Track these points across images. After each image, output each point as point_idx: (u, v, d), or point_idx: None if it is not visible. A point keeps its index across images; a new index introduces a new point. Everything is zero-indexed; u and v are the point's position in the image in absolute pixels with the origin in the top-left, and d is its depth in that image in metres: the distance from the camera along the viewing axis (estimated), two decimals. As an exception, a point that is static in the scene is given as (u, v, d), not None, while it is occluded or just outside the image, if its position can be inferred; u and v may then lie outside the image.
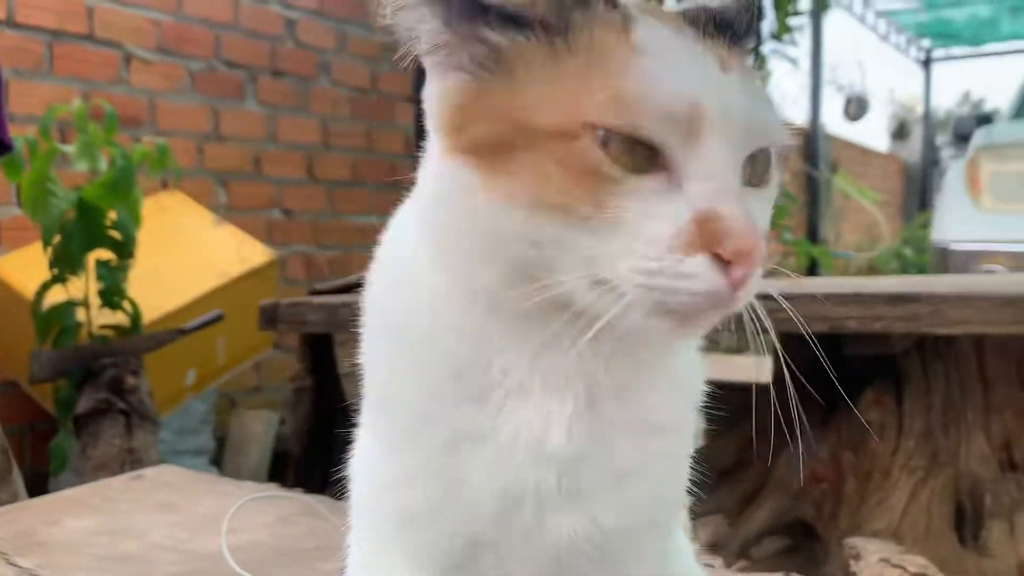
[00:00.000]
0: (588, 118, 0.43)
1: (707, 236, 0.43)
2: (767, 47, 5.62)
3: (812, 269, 6.11)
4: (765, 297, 1.13)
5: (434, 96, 0.48)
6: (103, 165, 2.42)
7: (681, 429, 0.56)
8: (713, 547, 2.02)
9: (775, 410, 1.73)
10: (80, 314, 2.41)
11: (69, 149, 2.37)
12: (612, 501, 0.52)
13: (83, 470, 2.12)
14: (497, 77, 0.45)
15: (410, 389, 0.52)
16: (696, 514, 2.13)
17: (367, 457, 0.59)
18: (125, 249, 2.43)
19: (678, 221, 0.44)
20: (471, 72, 0.46)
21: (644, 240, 0.44)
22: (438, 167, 0.47)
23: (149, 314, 2.54)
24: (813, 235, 7.80)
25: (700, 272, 0.43)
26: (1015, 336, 1.53)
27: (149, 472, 1.51)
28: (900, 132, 11.68)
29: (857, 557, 1.08)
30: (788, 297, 1.30)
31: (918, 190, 10.83)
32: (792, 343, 1.59)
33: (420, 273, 0.51)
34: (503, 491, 0.51)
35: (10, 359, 2.63)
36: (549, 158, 0.43)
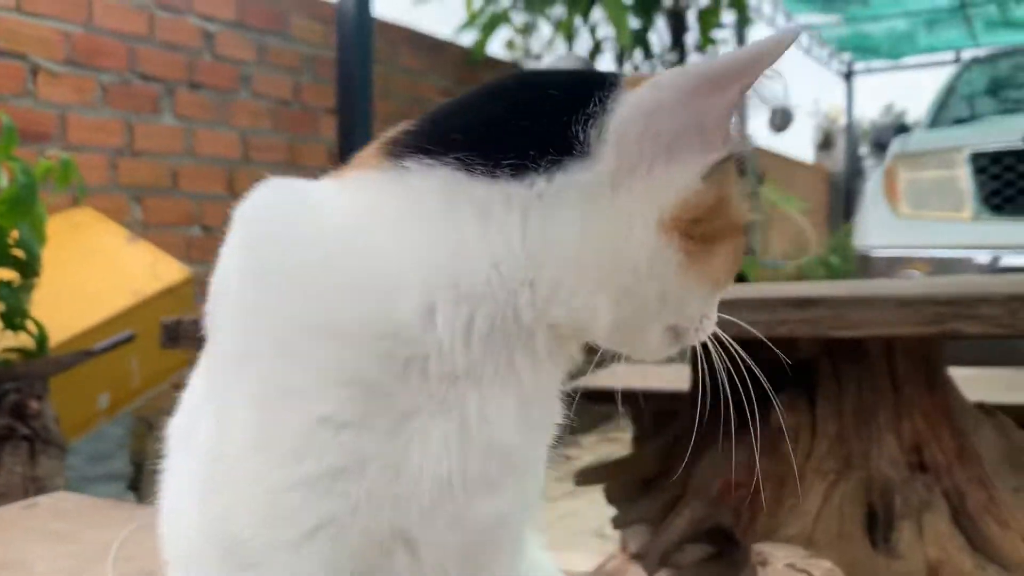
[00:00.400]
0: (747, 218, 0.59)
1: None
2: (693, 58, 5.71)
3: (739, 278, 6.20)
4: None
5: (684, 189, 0.54)
6: (4, 181, 2.32)
7: (553, 431, 0.61)
8: (636, 556, 2.01)
9: (694, 418, 1.73)
10: (-19, 337, 2.30)
11: (-36, 165, 2.27)
12: (514, 489, 0.55)
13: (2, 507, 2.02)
14: (725, 183, 0.56)
15: (354, 363, 0.50)
16: (623, 523, 2.12)
17: (241, 463, 0.52)
18: (29, 268, 2.33)
19: None
20: (717, 179, 0.55)
21: (717, 301, 0.61)
22: (644, 235, 0.54)
23: (57, 335, 2.45)
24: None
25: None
26: (922, 339, 1.55)
27: (44, 500, 1.43)
28: (825, 143, 11.99)
29: (764, 563, 1.07)
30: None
31: (843, 199, 11.11)
32: (704, 351, 1.58)
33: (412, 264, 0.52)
34: (446, 478, 0.52)
35: (-92, 386, 2.50)
36: (734, 247, 0.58)
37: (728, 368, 1.63)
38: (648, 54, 5.32)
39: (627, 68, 5.27)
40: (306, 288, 0.51)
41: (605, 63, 5.43)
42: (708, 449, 1.72)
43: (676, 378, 2.23)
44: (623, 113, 0.53)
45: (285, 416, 0.50)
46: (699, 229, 0.55)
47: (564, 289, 0.53)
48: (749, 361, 0.69)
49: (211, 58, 3.58)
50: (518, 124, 0.54)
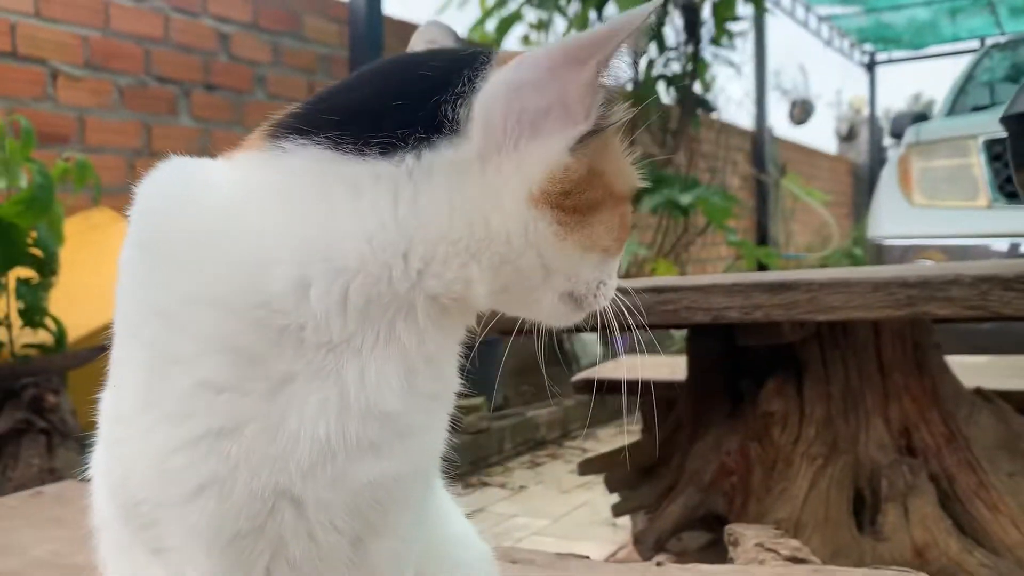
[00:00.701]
0: (635, 187, 0.63)
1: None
2: (708, 52, 5.70)
3: (761, 270, 6.17)
4: (647, 291, 1.15)
5: (550, 163, 0.57)
6: (23, 182, 2.39)
7: (451, 399, 0.63)
8: (636, 542, 2.04)
9: (690, 405, 1.76)
10: (1, 334, 2.37)
11: (-15, 167, 2.34)
12: (399, 452, 0.57)
13: (4, 491, 2.08)
14: (599, 155, 0.59)
15: (230, 331, 0.53)
16: (622, 511, 2.15)
17: (129, 432, 0.56)
18: (47, 267, 2.40)
19: None
20: (588, 152, 0.58)
21: (613, 268, 0.63)
22: (515, 208, 0.56)
23: (75, 332, 2.51)
24: (763, 237, 7.90)
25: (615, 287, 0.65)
26: (911, 323, 1.56)
27: (49, 489, 1.49)
28: (848, 134, 11.88)
29: (736, 543, 1.10)
30: (673, 290, 1.32)
31: (867, 190, 11.00)
32: (698, 340, 1.61)
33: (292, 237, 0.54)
34: (325, 440, 0.54)
35: (-67, 382, 2.58)
36: (617, 215, 0.60)
37: (716, 357, 1.65)
38: (662, 48, 5.32)
39: (642, 63, 5.27)
40: (187, 261, 0.54)
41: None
42: (701, 437, 1.74)
43: (682, 369, 2.25)
44: (488, 91, 0.56)
45: (170, 380, 0.53)
46: (570, 201, 0.57)
47: (436, 262, 0.56)
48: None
49: (226, 59, 3.64)
50: (389, 104, 0.56)
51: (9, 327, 2.39)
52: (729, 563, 1.09)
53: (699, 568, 1.01)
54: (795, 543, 1.05)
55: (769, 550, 1.04)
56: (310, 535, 0.57)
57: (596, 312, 0.63)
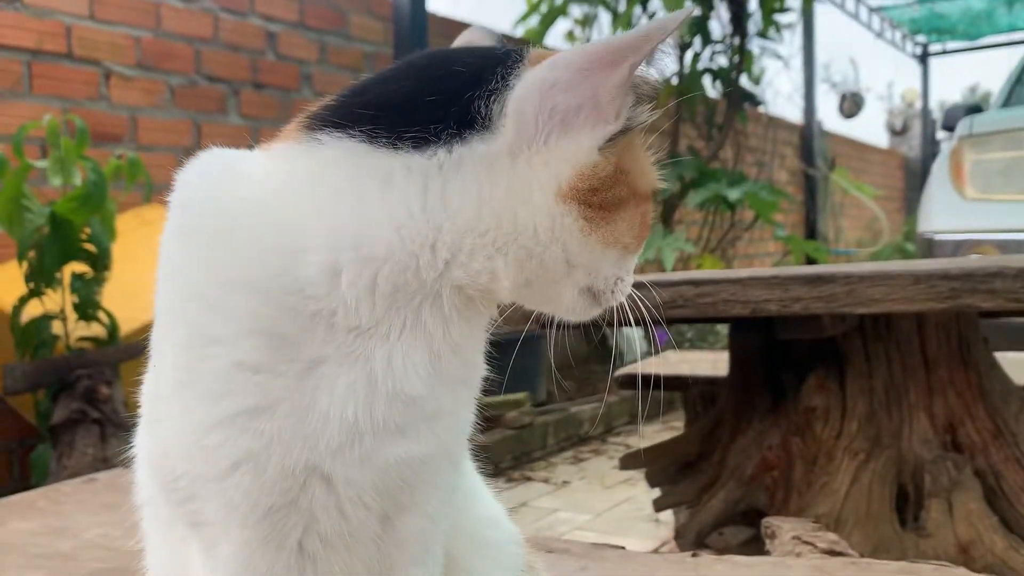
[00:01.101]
0: (656, 187, 0.64)
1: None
2: (755, 45, 5.63)
3: (809, 263, 6.08)
4: (672, 284, 1.16)
5: (579, 161, 0.59)
6: (78, 180, 2.45)
7: (478, 384, 0.65)
8: (676, 537, 2.03)
9: (731, 400, 1.75)
10: (57, 327, 2.45)
11: (42, 164, 2.41)
12: (425, 434, 0.59)
13: (60, 479, 2.15)
14: (625, 154, 0.60)
15: (265, 315, 0.56)
16: (663, 505, 2.14)
17: (169, 411, 0.59)
18: (100, 262, 2.47)
19: None
20: (615, 151, 0.60)
21: (631, 265, 0.65)
22: (543, 202, 0.58)
23: (128, 325, 2.58)
24: (812, 233, 7.79)
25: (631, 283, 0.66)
26: (956, 317, 1.54)
27: (103, 476, 1.53)
28: (900, 128, 11.64)
29: (772, 536, 1.09)
30: (711, 283, 1.32)
31: (919, 184, 10.78)
32: (739, 334, 1.60)
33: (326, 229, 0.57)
34: (352, 421, 0.57)
35: (-5, 374, 2.67)
36: (638, 213, 0.62)
37: (757, 352, 1.64)
38: (708, 41, 5.27)
39: (687, 56, 5.23)
40: (225, 247, 0.57)
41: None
42: (743, 432, 1.73)
43: (724, 365, 2.24)
44: (522, 89, 0.57)
45: (207, 361, 0.56)
46: (597, 197, 0.59)
47: (463, 253, 0.58)
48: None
49: (274, 58, 3.70)
50: (423, 99, 0.58)
51: (64, 321, 2.46)
52: (766, 556, 1.09)
53: (734, 559, 1.01)
54: (832, 536, 1.04)
55: (806, 543, 1.03)
56: (340, 511, 0.59)
57: (612, 308, 0.65)
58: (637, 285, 0.67)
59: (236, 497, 0.57)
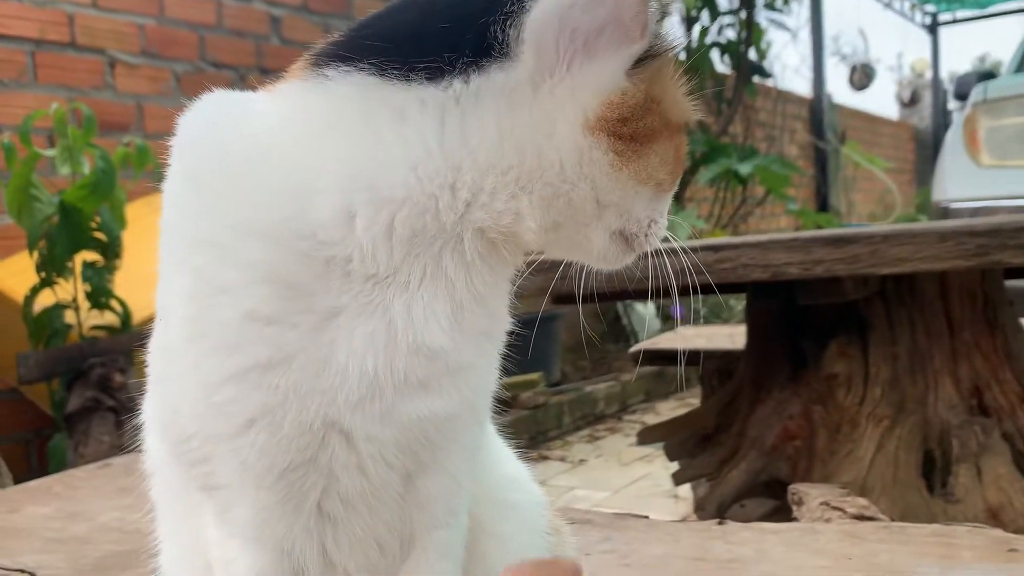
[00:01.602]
0: (689, 118, 0.60)
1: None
2: (763, 18, 5.57)
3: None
4: (703, 249, 1.13)
5: (607, 89, 0.55)
6: (86, 168, 2.44)
7: (502, 337, 0.62)
8: (697, 509, 2.01)
9: (750, 370, 1.73)
10: (70, 316, 2.44)
11: (50, 153, 2.40)
12: (449, 389, 0.56)
13: (76, 467, 2.15)
14: (656, 81, 0.57)
15: (277, 262, 0.53)
16: (682, 478, 2.13)
17: (177, 366, 0.55)
18: (111, 250, 2.46)
19: None
20: (645, 76, 0.56)
21: (666, 206, 0.60)
22: (570, 135, 0.54)
23: (141, 313, 2.57)
24: (823, 207, 7.73)
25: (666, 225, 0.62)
26: (981, 278, 1.51)
27: (118, 460, 1.52)
28: (910, 99, 11.53)
29: (799, 503, 1.07)
30: (730, 247, 1.29)
31: (931, 155, 10.68)
32: (757, 302, 1.57)
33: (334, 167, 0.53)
34: (372, 374, 0.54)
35: (8, 365, 2.67)
36: (672, 147, 0.58)
37: (776, 319, 1.61)
38: (715, 14, 5.21)
39: (695, 30, 5.18)
40: (233, 190, 0.53)
41: (670, 26, 5.34)
42: (762, 402, 1.71)
43: (741, 338, 2.21)
44: (539, 11, 0.53)
45: (217, 310, 0.53)
46: (628, 128, 0.55)
47: (485, 193, 0.54)
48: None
49: (278, 43, 3.68)
50: (435, 27, 0.54)
51: (77, 309, 2.45)
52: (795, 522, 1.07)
53: (762, 526, 0.99)
54: (862, 501, 1.02)
55: (835, 508, 1.01)
56: (361, 469, 0.56)
57: (646, 253, 0.61)
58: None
59: (251, 456, 0.54)
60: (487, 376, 0.61)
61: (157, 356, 0.59)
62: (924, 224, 1.48)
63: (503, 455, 0.73)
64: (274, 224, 0.52)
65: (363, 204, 0.53)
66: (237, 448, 0.54)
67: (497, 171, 0.54)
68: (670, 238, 0.62)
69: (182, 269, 0.55)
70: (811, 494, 1.06)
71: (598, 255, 0.59)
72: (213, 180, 0.54)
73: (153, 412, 0.61)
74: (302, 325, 0.53)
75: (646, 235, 0.59)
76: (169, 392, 0.57)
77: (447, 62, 0.53)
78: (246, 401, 0.53)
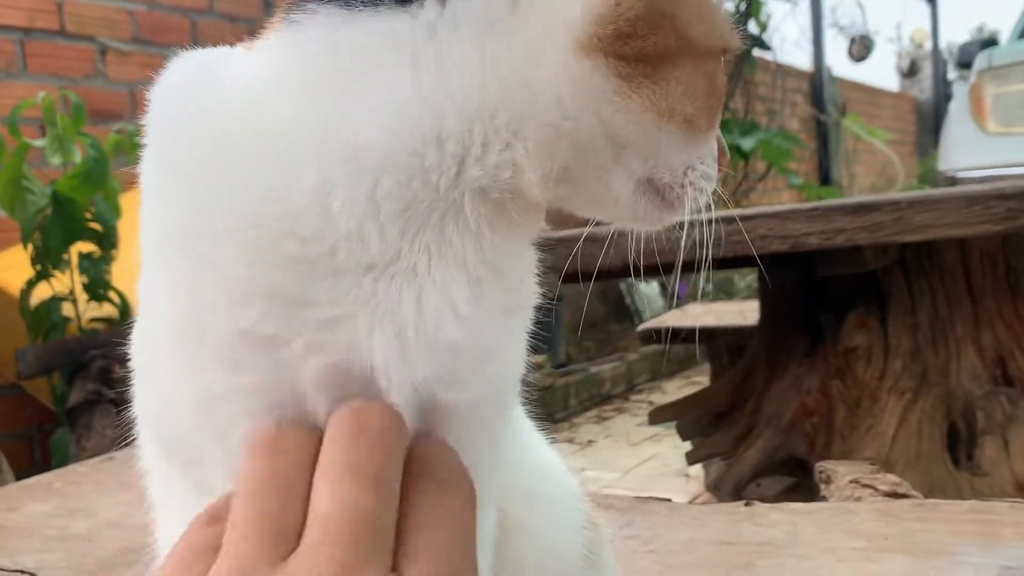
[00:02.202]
0: (727, 43, 0.50)
1: (720, 150, 0.52)
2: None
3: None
4: (723, 220, 1.08)
5: (598, 2, 0.45)
6: (77, 157, 2.40)
7: (529, 312, 0.53)
8: (713, 489, 1.98)
9: (764, 346, 1.68)
10: (68, 308, 2.40)
11: (40, 144, 2.35)
12: (472, 380, 0.48)
13: (79, 460, 2.12)
14: None
15: (264, 276, 0.44)
16: (696, 458, 2.09)
17: (167, 359, 0.47)
18: (106, 240, 2.42)
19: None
20: None
21: (708, 151, 0.50)
22: (561, 59, 0.45)
23: (139, 304, 2.53)
24: (825, 180, 7.68)
25: (715, 177, 0.52)
26: (1002, 244, 1.46)
27: (120, 454, 1.48)
28: (910, 69, 11.45)
29: (827, 481, 1.03)
30: (746, 218, 1.25)
31: (932, 126, 10.62)
32: (771, 275, 1.52)
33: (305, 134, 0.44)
34: (386, 390, 0.45)
35: (7, 360, 2.63)
36: (700, 75, 0.48)
37: (791, 291, 1.56)
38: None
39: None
40: (205, 180, 0.45)
41: None
42: (778, 378, 1.67)
43: (751, 315, 2.18)
44: None
45: (209, 319, 0.45)
46: (630, 47, 0.45)
47: (475, 144, 0.45)
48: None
49: (271, 26, 3.62)
50: None
51: (75, 301, 2.42)
52: (822, 501, 1.03)
53: (791, 506, 0.95)
54: (893, 478, 0.98)
55: (866, 486, 0.97)
56: None
57: (688, 209, 0.50)
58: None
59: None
60: (513, 358, 0.53)
61: (142, 348, 0.51)
62: (949, 189, 1.43)
63: (533, 442, 0.65)
64: (253, 223, 0.44)
65: (340, 176, 0.43)
66: (233, 457, 0.46)
67: (484, 115, 0.45)
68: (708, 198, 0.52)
69: (166, 266, 0.47)
70: (839, 472, 1.02)
71: (627, 211, 0.49)
72: (184, 164, 0.46)
73: (142, 409, 0.55)
74: (297, 342, 0.44)
75: (682, 186, 0.49)
76: (159, 391, 0.49)
77: None
78: (245, 417, 0.45)
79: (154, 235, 0.48)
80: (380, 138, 0.43)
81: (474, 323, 0.47)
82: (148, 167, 0.49)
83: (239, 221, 0.44)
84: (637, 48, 0.45)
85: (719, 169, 0.52)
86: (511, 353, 0.52)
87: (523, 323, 0.53)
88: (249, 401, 0.45)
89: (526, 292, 0.53)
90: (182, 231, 0.46)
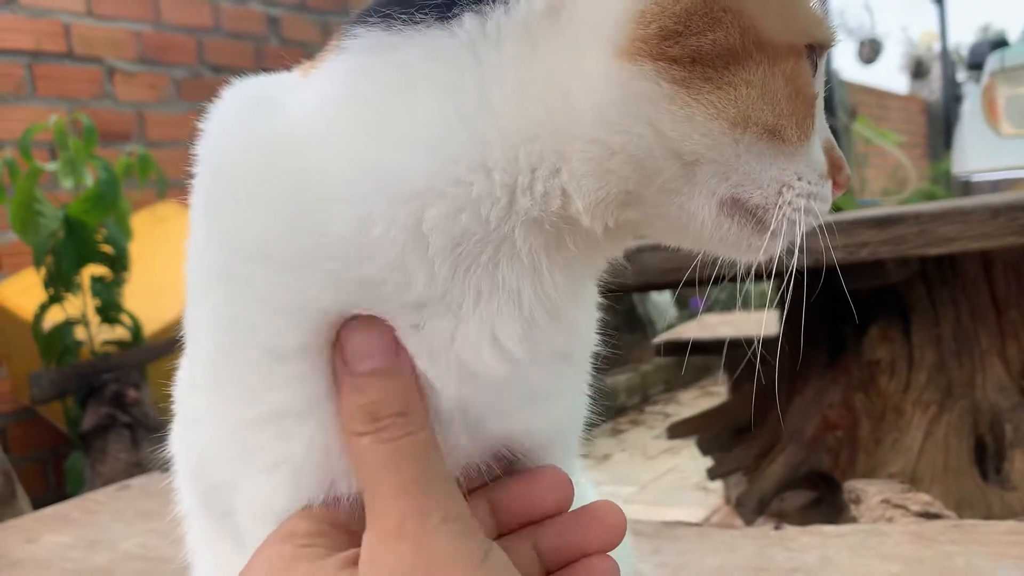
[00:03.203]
0: (813, 38, 0.44)
1: (833, 165, 0.46)
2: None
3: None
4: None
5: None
6: (89, 180, 2.39)
7: (586, 359, 0.51)
8: (737, 505, 1.95)
9: (785, 362, 1.65)
10: (80, 332, 2.40)
11: (52, 167, 2.35)
12: (521, 414, 0.46)
13: (95, 486, 2.11)
14: None
15: (302, 292, 0.43)
16: (718, 474, 2.06)
17: (206, 407, 0.47)
18: (118, 263, 2.41)
19: (820, 148, 0.45)
20: None
21: (810, 165, 0.44)
22: (602, 67, 0.40)
23: (152, 325, 2.53)
24: (837, 184, 7.63)
25: (828, 197, 0.46)
26: (1021, 251, 1.44)
27: (136, 482, 1.47)
28: (918, 71, 11.41)
29: (857, 501, 1.01)
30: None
31: (942, 128, 10.57)
32: (793, 290, 1.50)
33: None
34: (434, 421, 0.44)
35: (21, 384, 2.63)
36: (778, 76, 0.42)
37: (812, 306, 1.54)
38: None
39: None
40: (249, 211, 0.43)
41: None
42: (800, 392, 1.64)
43: (770, 325, 2.15)
44: None
45: (240, 352, 0.44)
46: (680, 47, 0.40)
47: (522, 171, 0.41)
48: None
49: (278, 43, 3.62)
50: None
51: (87, 325, 2.41)
52: (851, 522, 1.01)
53: (822, 530, 0.93)
54: (925, 497, 0.96)
55: (897, 506, 0.95)
56: None
57: (789, 233, 0.44)
58: None
59: (272, 502, 0.45)
60: (569, 404, 0.49)
61: (186, 392, 0.50)
62: (972, 200, 1.41)
63: (587, 496, 0.63)
64: (295, 249, 0.42)
65: (381, 210, 0.41)
66: (257, 492, 0.45)
67: (529, 137, 0.41)
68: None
69: (205, 301, 0.46)
70: (869, 491, 1.00)
71: (712, 236, 0.43)
72: (230, 198, 0.44)
73: (183, 457, 0.53)
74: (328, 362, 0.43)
75: (778, 206, 0.43)
76: (197, 435, 0.49)
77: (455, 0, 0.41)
78: (272, 449, 0.44)
79: (199, 272, 0.47)
80: (422, 166, 0.41)
81: (521, 361, 0.44)
82: (197, 202, 0.47)
83: (281, 245, 0.42)
84: (691, 48, 0.40)
85: (836, 186, 0.46)
86: (563, 401, 0.49)
87: (580, 371, 0.50)
88: (269, 428, 0.44)
89: (583, 339, 0.49)
90: (224, 263, 0.44)
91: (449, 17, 0.41)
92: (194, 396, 0.49)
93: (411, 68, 0.42)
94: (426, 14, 0.41)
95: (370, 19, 0.43)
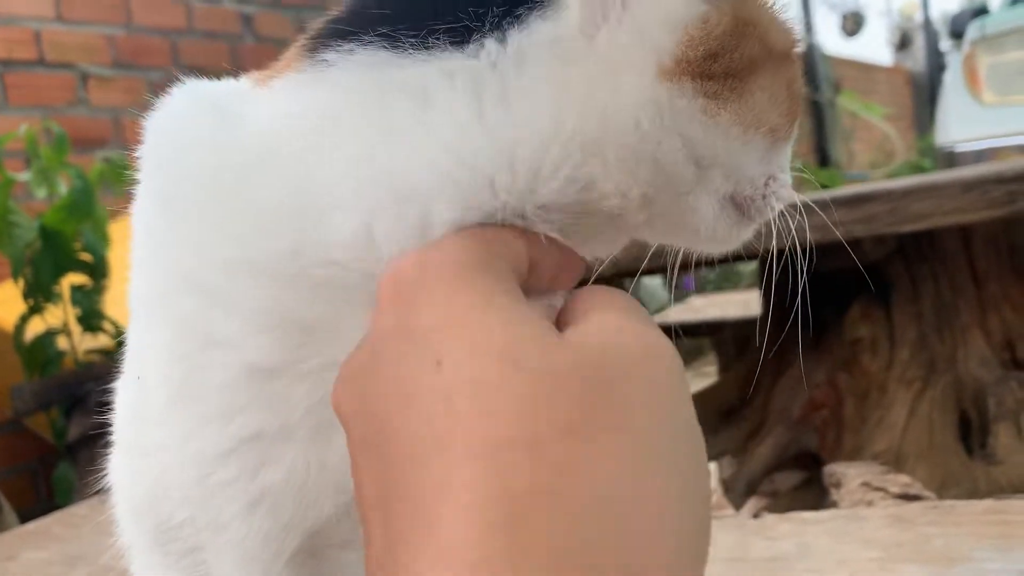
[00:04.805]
0: (795, 41, 0.47)
1: None
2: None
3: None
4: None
5: (683, 21, 0.42)
6: (63, 189, 2.37)
7: None
8: (725, 489, 1.95)
9: (770, 342, 1.63)
10: (63, 342, 2.38)
11: (24, 177, 2.33)
12: None
13: (83, 497, 2.09)
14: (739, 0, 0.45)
15: (284, 301, 0.41)
16: (707, 456, 2.06)
17: (163, 438, 0.43)
18: (97, 271, 2.39)
19: None
20: None
21: (785, 159, 0.48)
22: (642, 85, 0.41)
23: (135, 332, 2.51)
24: (824, 160, 7.62)
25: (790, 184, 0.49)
26: (1004, 225, 1.43)
27: (117, 492, 1.46)
28: (902, 42, 11.38)
29: (838, 484, 1.00)
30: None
31: (927, 99, 10.55)
32: (771, 268, 1.49)
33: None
34: None
35: (5, 397, 2.61)
36: (782, 80, 0.46)
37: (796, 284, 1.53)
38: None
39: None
40: (220, 218, 0.41)
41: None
42: (785, 372, 1.63)
43: (755, 304, 2.14)
44: None
45: (209, 370, 0.41)
46: (720, 65, 0.42)
47: (546, 168, 0.42)
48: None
49: (253, 41, 3.59)
50: None
51: (69, 334, 2.39)
52: (832, 507, 1.00)
53: (801, 516, 0.92)
54: (905, 478, 0.95)
55: (877, 489, 0.94)
56: None
57: (767, 221, 0.47)
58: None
59: (255, 544, 0.43)
60: None
61: (127, 419, 0.48)
62: (944, 174, 1.40)
63: None
64: (276, 255, 0.40)
65: (389, 219, 0.40)
66: (239, 536, 0.42)
67: (558, 141, 0.41)
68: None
69: (162, 317, 0.43)
70: (849, 474, 0.99)
71: (707, 232, 0.45)
72: (197, 204, 0.42)
73: (126, 487, 0.50)
74: (312, 374, 0.41)
75: (764, 197, 0.46)
76: (152, 470, 0.45)
77: (475, 18, 0.41)
78: (249, 480, 0.41)
79: (152, 284, 0.44)
80: (438, 174, 0.40)
81: None
82: (146, 210, 0.45)
83: (262, 253, 0.40)
84: (726, 63, 0.43)
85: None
86: None
87: None
88: (248, 453, 0.41)
89: None
90: (190, 276, 0.42)
91: (464, 41, 0.41)
92: (143, 426, 0.46)
93: (424, 84, 0.41)
94: (438, 38, 0.41)
95: (359, 34, 0.42)
